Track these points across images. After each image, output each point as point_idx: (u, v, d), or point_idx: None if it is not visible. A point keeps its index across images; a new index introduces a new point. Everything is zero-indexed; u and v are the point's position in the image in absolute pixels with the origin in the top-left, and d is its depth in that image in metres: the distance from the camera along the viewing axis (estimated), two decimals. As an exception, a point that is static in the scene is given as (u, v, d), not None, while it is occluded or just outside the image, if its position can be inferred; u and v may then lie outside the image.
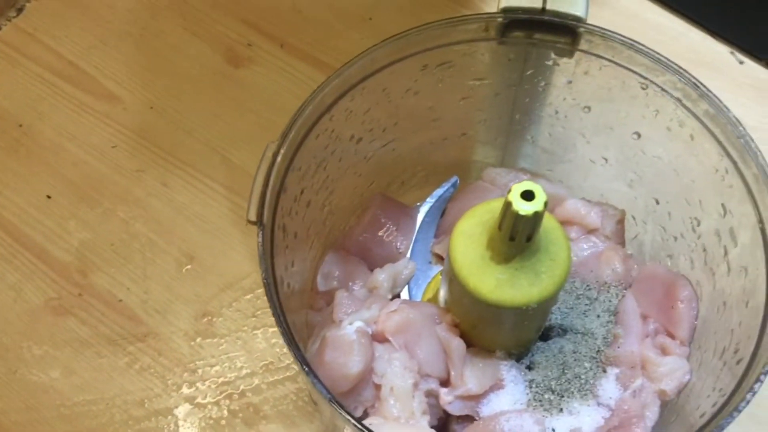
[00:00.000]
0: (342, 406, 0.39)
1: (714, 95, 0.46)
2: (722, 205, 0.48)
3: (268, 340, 0.61)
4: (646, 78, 0.49)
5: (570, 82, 0.52)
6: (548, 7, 0.49)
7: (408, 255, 0.58)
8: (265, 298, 0.42)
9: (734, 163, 0.46)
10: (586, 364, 0.50)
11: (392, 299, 0.54)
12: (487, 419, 0.48)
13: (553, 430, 0.49)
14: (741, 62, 0.73)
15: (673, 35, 0.74)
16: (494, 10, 0.50)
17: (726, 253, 0.48)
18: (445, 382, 0.50)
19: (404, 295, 0.57)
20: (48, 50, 0.74)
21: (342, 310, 0.50)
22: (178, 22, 0.75)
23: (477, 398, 0.49)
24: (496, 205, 0.44)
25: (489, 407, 0.49)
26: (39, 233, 0.65)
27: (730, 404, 0.38)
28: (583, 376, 0.50)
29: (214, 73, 0.72)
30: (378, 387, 0.47)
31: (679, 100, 0.48)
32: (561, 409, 0.49)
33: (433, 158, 0.60)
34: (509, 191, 0.41)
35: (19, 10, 0.76)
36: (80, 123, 0.70)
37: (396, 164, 0.59)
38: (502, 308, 0.45)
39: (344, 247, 0.57)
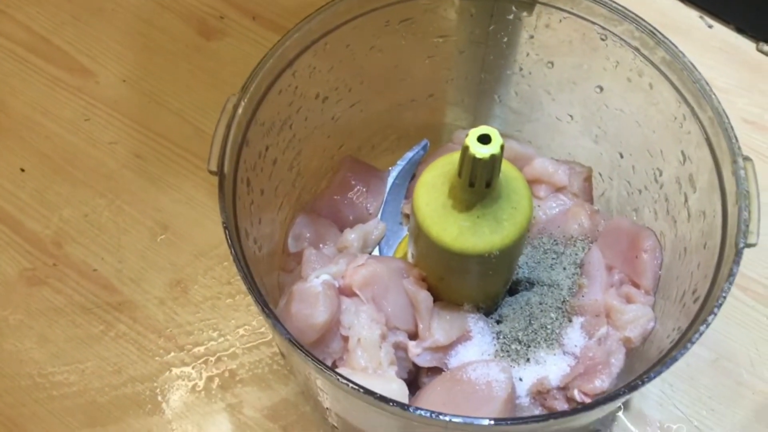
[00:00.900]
0: (304, 349, 0.39)
1: (669, 41, 0.47)
2: (682, 152, 0.49)
3: (244, 306, 0.61)
4: (605, 28, 0.50)
5: (532, 36, 0.53)
6: (507, -40, 0.49)
7: (378, 216, 0.59)
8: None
9: (691, 108, 0.46)
10: (552, 315, 0.51)
11: (362, 258, 0.54)
12: (455, 369, 0.48)
13: (521, 379, 0.49)
14: (710, 26, 0.74)
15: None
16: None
17: (686, 200, 0.48)
18: (413, 335, 0.50)
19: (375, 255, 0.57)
20: (20, 26, 0.74)
21: (310, 266, 0.51)
22: (150, -4, 0.75)
23: (445, 350, 0.49)
24: (457, 156, 0.45)
25: (457, 359, 0.50)
26: (13, 206, 0.65)
27: (685, 338, 0.39)
28: (549, 326, 0.50)
29: (187, 46, 0.73)
30: (345, 339, 0.48)
31: (637, 49, 0.49)
32: (528, 359, 0.49)
33: (403, 121, 0.60)
34: (466, 135, 0.42)
35: (-9, -12, 0.76)
36: (53, 97, 0.70)
37: (365, 126, 0.59)
38: (466, 256, 0.45)
39: (315, 210, 0.58)
